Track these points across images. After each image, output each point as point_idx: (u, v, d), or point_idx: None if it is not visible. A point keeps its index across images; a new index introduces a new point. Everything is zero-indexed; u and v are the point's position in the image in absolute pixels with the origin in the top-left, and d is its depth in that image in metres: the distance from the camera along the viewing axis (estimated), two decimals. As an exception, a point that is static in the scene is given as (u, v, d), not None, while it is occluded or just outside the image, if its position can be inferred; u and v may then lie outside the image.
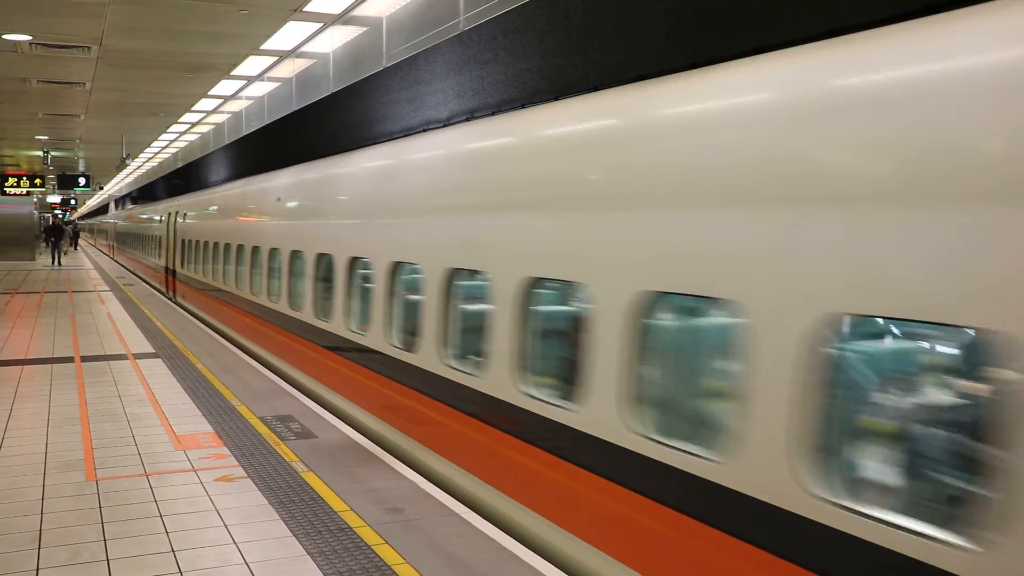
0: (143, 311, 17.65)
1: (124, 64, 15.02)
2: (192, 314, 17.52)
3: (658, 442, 4.28)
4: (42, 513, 5.57)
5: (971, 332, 3.07)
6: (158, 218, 24.79)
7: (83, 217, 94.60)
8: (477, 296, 6.35)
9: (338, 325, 8.87)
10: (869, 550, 3.16)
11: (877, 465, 3.53)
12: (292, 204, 11.67)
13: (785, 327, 3.57)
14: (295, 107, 15.88)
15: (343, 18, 11.93)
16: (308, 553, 4.95)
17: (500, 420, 5.74)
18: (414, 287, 7.41)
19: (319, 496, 5.95)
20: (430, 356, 6.76)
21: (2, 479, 6.27)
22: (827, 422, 3.44)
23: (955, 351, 3.50)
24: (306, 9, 11.37)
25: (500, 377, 5.70)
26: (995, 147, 3.02)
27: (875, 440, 3.59)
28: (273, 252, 11.70)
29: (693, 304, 4.44)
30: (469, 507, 5.80)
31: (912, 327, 3.51)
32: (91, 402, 8.86)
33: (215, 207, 17.02)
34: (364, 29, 12.07)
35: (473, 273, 6.40)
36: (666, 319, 4.56)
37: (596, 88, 7.31)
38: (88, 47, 13.55)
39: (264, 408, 8.68)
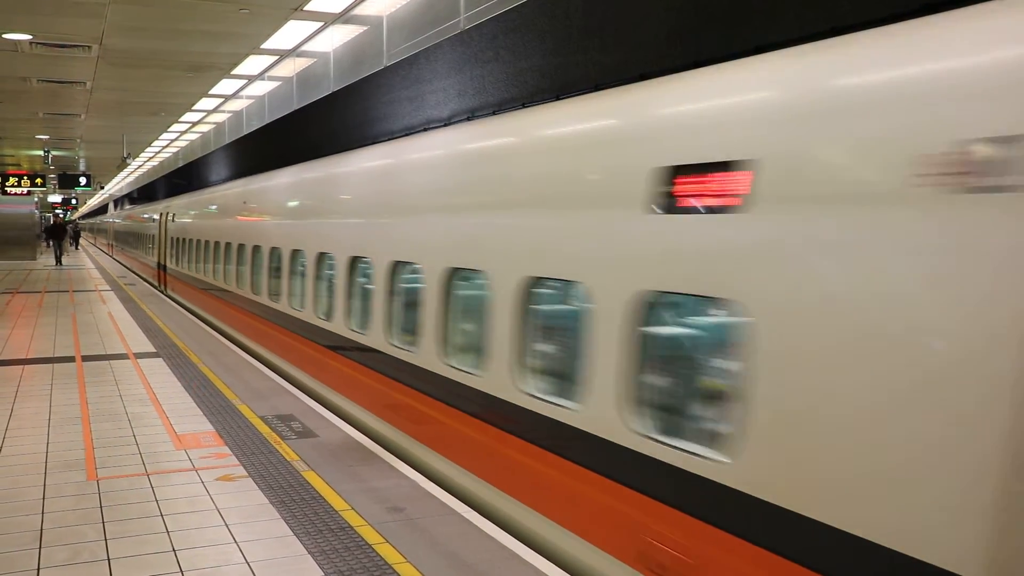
0: (144, 310, 17.65)
1: (125, 63, 15.02)
2: (180, 304, 19.49)
3: (536, 397, 5.34)
4: (43, 512, 5.57)
5: (712, 300, 4.09)
6: (151, 218, 27.19)
7: (83, 217, 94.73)
8: (412, 282, 7.52)
9: (284, 304, 11.16)
10: (665, 468, 4.20)
11: (664, 406, 4.52)
12: (253, 207, 13.92)
13: (617, 300, 4.60)
14: (295, 106, 15.88)
15: (343, 17, 11.93)
16: (309, 552, 4.94)
17: (427, 385, 6.83)
18: (331, 270, 9.38)
19: (320, 495, 5.95)
20: (376, 334, 7.99)
21: (3, 478, 6.27)
22: (642, 376, 4.51)
23: (706, 319, 4.53)
24: (306, 8, 11.37)
25: (428, 350, 6.74)
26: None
27: (664, 389, 4.57)
28: (240, 247, 13.87)
29: (557, 285, 5.52)
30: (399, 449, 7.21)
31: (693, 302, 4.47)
32: (92, 401, 8.86)
33: (199, 208, 19.06)
34: (365, 28, 12.07)
35: (405, 264, 7.62)
36: (542, 298, 5.64)
37: (597, 87, 7.35)
38: (89, 46, 13.56)
39: (265, 407, 8.68)
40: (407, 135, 9.71)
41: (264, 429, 7.79)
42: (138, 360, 11.45)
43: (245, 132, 20.79)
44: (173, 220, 21.89)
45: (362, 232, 8.58)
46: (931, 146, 3.02)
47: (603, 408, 4.69)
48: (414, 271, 7.41)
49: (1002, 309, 2.76)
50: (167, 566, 4.74)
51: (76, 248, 54.24)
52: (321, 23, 12.27)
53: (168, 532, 5.25)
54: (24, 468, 6.52)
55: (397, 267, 7.72)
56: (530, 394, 5.41)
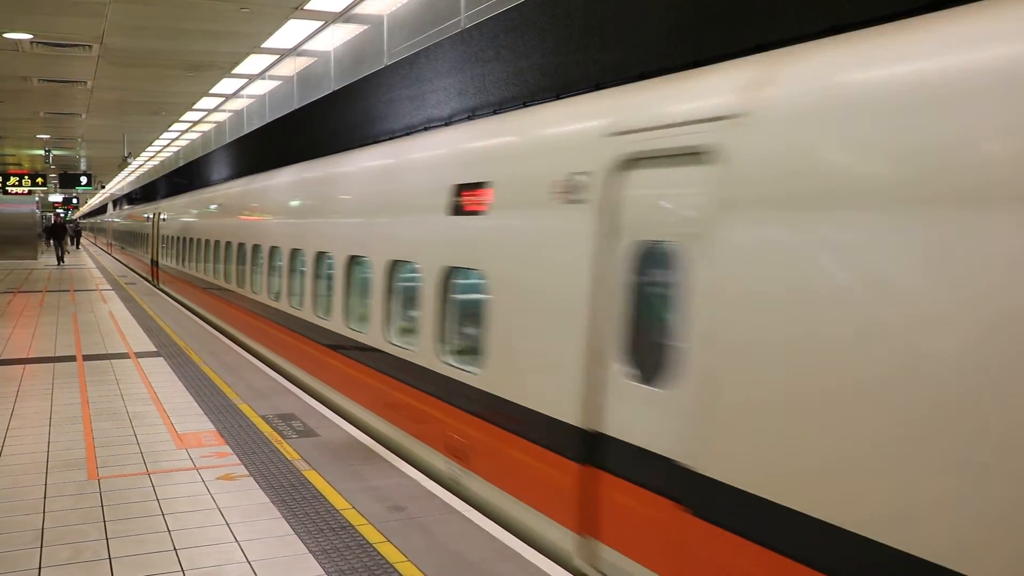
0: (145, 309, 17.66)
1: (125, 63, 15.02)
2: (170, 296, 21.60)
3: (394, 344, 7.48)
4: (44, 512, 5.58)
5: (475, 271, 6.22)
6: (146, 217, 29.84)
7: (84, 216, 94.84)
8: (302, 266, 10.54)
9: (246, 289, 13.44)
10: (455, 384, 6.28)
11: (455, 342, 6.59)
12: (223, 209, 16.33)
13: (431, 274, 6.73)
14: (296, 106, 15.88)
15: (344, 16, 11.93)
16: (310, 551, 4.95)
17: (323, 338, 9.37)
18: (279, 261, 11.73)
19: (321, 494, 5.95)
20: (287, 300, 11.00)
21: (4, 478, 6.28)
22: (445, 323, 6.64)
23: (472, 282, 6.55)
24: (307, 7, 11.37)
25: (336, 315, 9.02)
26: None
27: (454, 330, 6.64)
28: (215, 243, 16.07)
29: (407, 265, 7.51)
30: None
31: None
32: (93, 401, 8.86)
33: (184, 209, 21.45)
34: (365, 27, 12.07)
35: (297, 250, 10.75)
36: (398, 275, 7.73)
37: (598, 86, 7.40)
38: (89, 46, 13.56)
39: (266, 406, 8.68)
40: (378, 141, 10.77)
41: (265, 428, 7.79)
42: (139, 359, 11.46)
43: (245, 132, 20.81)
44: (164, 220, 24.52)
45: (284, 229, 11.68)
46: (556, 176, 5.33)
47: (427, 350, 6.77)
48: (308, 256, 10.40)
49: (580, 263, 5.00)
50: (168, 565, 4.75)
51: (77, 247, 54.26)
52: (322, 22, 12.27)
53: (169, 531, 5.25)
54: (25, 467, 6.53)
55: (273, 251, 11.85)
56: (391, 343, 7.58)
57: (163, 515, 5.54)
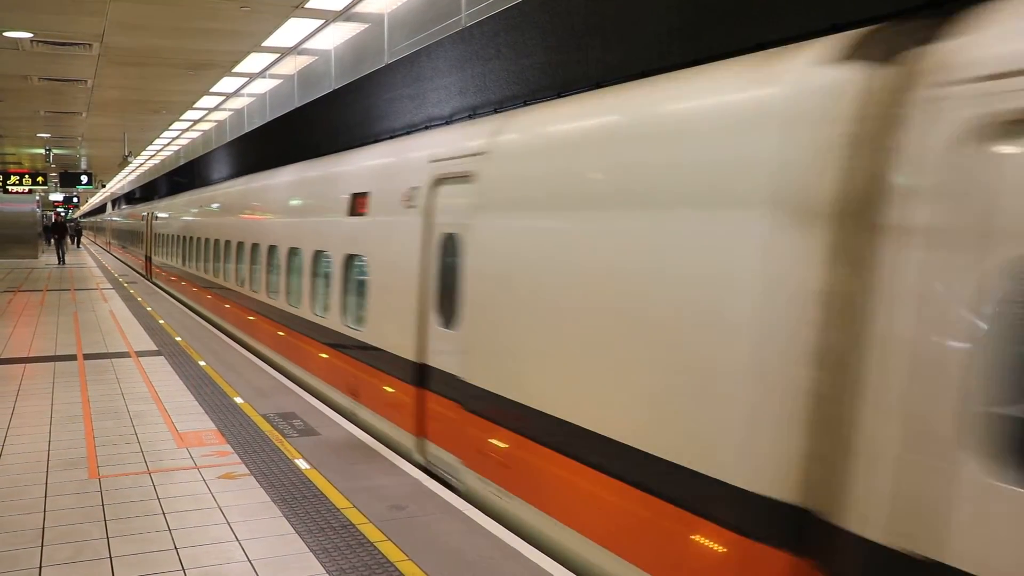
0: (146, 308, 17.66)
1: (125, 61, 15.01)
2: (160, 288, 23.90)
3: (318, 315, 9.55)
4: (45, 511, 5.58)
5: (362, 256, 8.19)
6: (141, 216, 32.81)
7: (84, 215, 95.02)
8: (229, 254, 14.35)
9: (210, 275, 16.60)
10: (353, 340, 8.42)
11: (352, 309, 8.56)
12: (199, 211, 19.09)
13: (338, 260, 8.83)
14: (296, 104, 15.87)
15: (345, 15, 11.92)
16: (311, 550, 4.95)
17: (276, 317, 11.49)
18: (239, 251, 14.41)
19: (322, 493, 5.95)
20: (231, 278, 14.19)
21: (5, 477, 6.28)
22: (346, 296, 8.74)
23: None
24: (307, 5, 11.35)
25: (280, 295, 11.38)
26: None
27: (351, 301, 8.61)
28: (195, 240, 18.74)
29: (326, 255, 9.44)
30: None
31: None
32: (94, 400, 8.86)
33: (171, 211, 24.07)
34: (366, 25, 12.05)
35: (256, 244, 13.19)
36: (320, 262, 9.83)
37: (599, 85, 7.39)
38: (89, 44, 13.55)
39: (267, 405, 8.68)
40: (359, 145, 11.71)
41: (266, 427, 7.79)
42: (140, 358, 11.46)
43: (246, 131, 20.80)
44: (156, 219, 27.22)
45: (243, 228, 14.24)
46: (403, 188, 7.40)
47: (335, 316, 8.95)
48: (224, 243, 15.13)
49: (414, 251, 7.15)
50: (169, 564, 4.75)
51: (78, 246, 54.24)
52: (322, 20, 12.26)
53: (170, 530, 5.25)
54: (26, 466, 6.53)
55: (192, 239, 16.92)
56: (316, 314, 9.73)
57: (164, 514, 5.54)
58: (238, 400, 8.92)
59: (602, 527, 4.51)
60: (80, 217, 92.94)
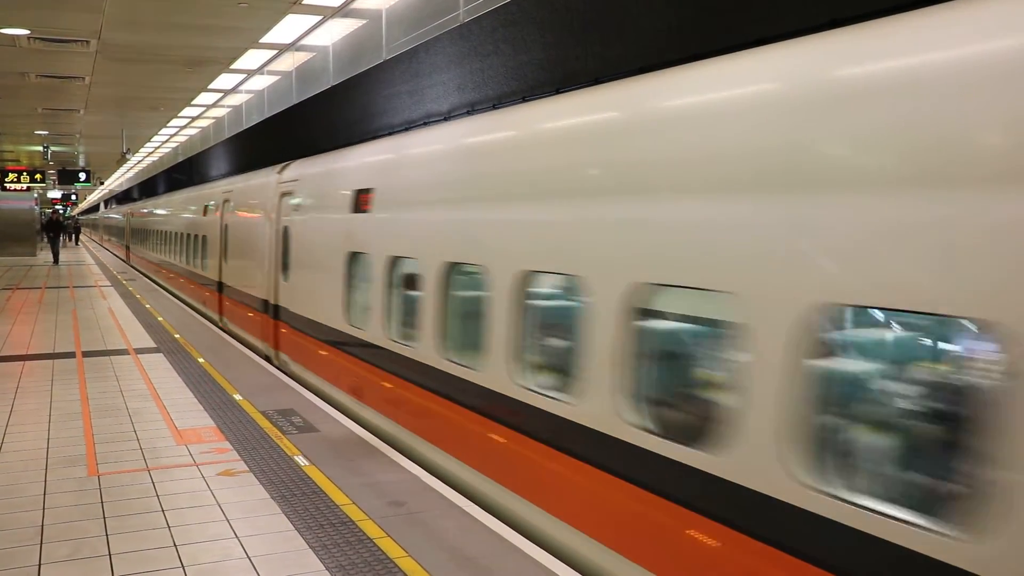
0: (144, 306, 17.64)
1: (123, 58, 14.97)
2: (139, 271, 29.93)
3: (301, 307, 10.54)
4: (44, 508, 5.57)
5: (366, 254, 8.73)
6: (122, 216, 43.25)
7: (82, 213, 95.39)
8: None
9: (159, 254, 23.77)
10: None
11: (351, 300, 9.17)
12: (148, 212, 28.02)
13: (338, 257, 9.49)
14: (295, 100, 15.85)
15: (343, 11, 11.89)
16: (310, 547, 4.94)
17: (250, 300, 13.33)
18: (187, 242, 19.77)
19: (321, 490, 5.95)
20: (211, 270, 16.61)
21: (4, 474, 6.27)
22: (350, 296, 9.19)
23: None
24: (305, 2, 11.33)
25: (217, 268, 15.64)
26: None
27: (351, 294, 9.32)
28: (151, 231, 26.35)
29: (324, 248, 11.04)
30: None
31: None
32: (92, 397, 8.86)
33: (143, 212, 31.93)
34: (364, 22, 12.03)
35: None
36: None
37: (597, 81, 7.34)
38: (87, 41, 13.52)
39: (265, 402, 8.67)
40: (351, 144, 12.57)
41: (265, 424, 7.79)
42: (138, 355, 11.45)
43: (244, 127, 20.77)
44: (132, 217, 36.37)
45: (192, 225, 19.12)
46: (265, 198, 12.42)
47: (331, 311, 9.25)
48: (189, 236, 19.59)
49: (270, 235, 12.06)
50: (168, 561, 4.74)
51: (76, 244, 54.15)
52: (320, 16, 12.23)
53: (169, 527, 5.25)
54: (25, 464, 6.52)
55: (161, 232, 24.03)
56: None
57: (163, 511, 5.53)
58: (237, 397, 8.91)
59: (334, 377, 9.11)
60: (78, 215, 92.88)
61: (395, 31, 10.95)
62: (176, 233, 21.04)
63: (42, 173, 38.26)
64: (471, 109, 10.49)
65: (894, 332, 3.83)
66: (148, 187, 40.41)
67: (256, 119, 18.99)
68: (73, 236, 56.36)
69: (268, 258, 11.76)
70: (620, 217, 4.64)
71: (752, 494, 3.61)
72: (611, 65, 8.94)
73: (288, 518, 5.40)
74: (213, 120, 24.64)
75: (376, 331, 7.79)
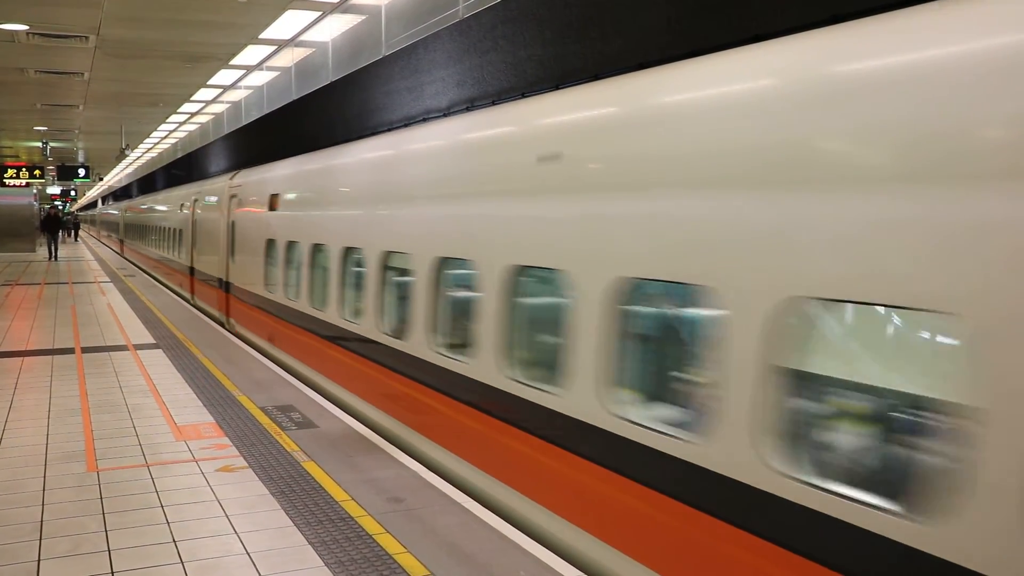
0: (144, 302, 17.64)
1: (122, 54, 14.96)
2: (128, 260, 34.31)
3: (241, 282, 13.77)
4: (43, 504, 5.57)
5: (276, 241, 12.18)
6: (117, 212, 48.00)
7: (80, 210, 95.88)
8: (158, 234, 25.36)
9: (155, 249, 26.07)
10: (194, 269, 18.69)
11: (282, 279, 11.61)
12: (149, 207, 30.13)
13: (259, 243, 13.22)
14: (294, 96, 15.82)
15: (342, 6, 11.88)
16: (309, 543, 4.95)
17: (208, 279, 17.08)
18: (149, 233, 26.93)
19: (320, 486, 5.95)
20: (175, 253, 21.62)
21: (3, 470, 6.28)
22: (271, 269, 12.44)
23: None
24: (304, -3, 11.32)
25: (178, 251, 20.83)
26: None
27: (282, 271, 11.70)
28: (142, 227, 30.24)
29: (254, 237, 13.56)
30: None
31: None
32: (92, 393, 8.86)
33: (133, 209, 36.29)
34: (363, 17, 12.02)
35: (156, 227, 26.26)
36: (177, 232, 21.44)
37: (597, 77, 7.34)
38: (86, 37, 13.50)
39: (265, 398, 8.67)
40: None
41: (264, 420, 7.79)
42: (138, 351, 11.45)
43: (243, 123, 20.75)
44: (126, 213, 39.52)
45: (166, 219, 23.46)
46: (224, 196, 15.54)
47: (256, 283, 12.40)
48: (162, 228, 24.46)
49: (224, 225, 15.30)
50: (167, 557, 4.75)
51: (76, 240, 54.12)
52: (319, 12, 12.22)
53: (168, 523, 5.25)
54: (24, 460, 6.53)
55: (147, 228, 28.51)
56: (197, 266, 17.84)
57: (162, 507, 5.54)
58: (236, 393, 8.92)
59: (258, 330, 12.17)
60: (77, 211, 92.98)
61: (394, 27, 10.93)
62: (158, 227, 25.09)
63: (41, 169, 38.26)
64: (471, 105, 10.48)
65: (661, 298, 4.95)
66: (144, 184, 43.55)
67: (255, 115, 18.98)
68: (72, 232, 56.33)
69: (222, 246, 15.05)
70: (465, 213, 6.26)
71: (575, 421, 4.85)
72: (610, 61, 8.93)
73: (287, 514, 5.41)
74: (212, 116, 24.61)
75: (279, 294, 11.13)
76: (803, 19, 6.19)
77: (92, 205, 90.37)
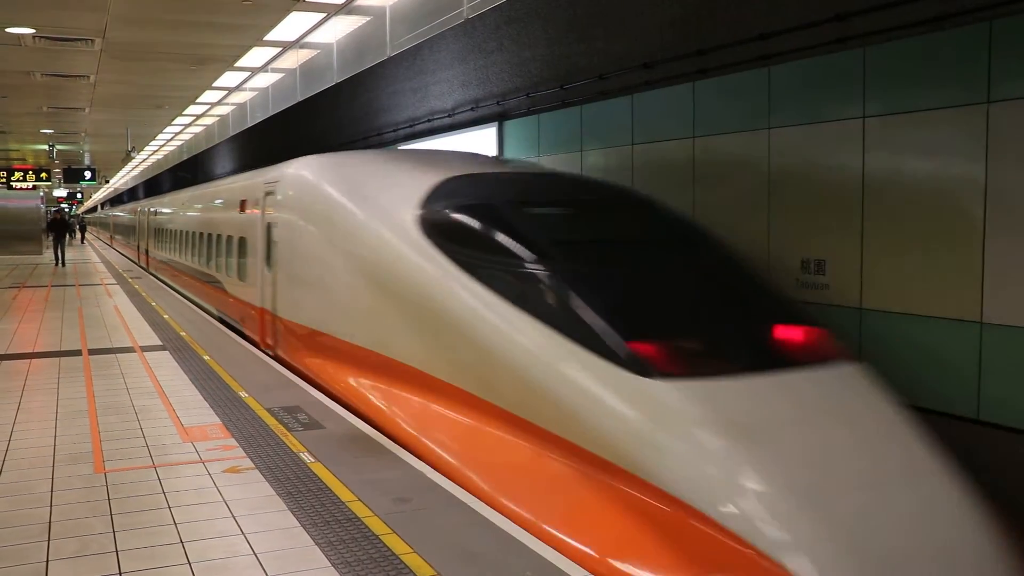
0: (150, 304, 17.69)
1: (128, 56, 15.00)
2: (116, 250, 42.52)
3: (155, 253, 25.65)
4: (51, 505, 5.59)
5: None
6: (108, 215, 57.39)
7: (88, 212, 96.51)
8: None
9: (121, 236, 43.31)
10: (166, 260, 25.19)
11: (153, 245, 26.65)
12: (118, 216, 48.04)
13: (142, 227, 30.45)
14: (299, 98, 15.83)
15: (346, 8, 11.89)
16: (316, 543, 4.96)
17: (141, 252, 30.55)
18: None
19: (327, 486, 5.96)
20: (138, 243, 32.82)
21: (11, 472, 6.30)
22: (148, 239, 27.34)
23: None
24: (309, -1, 11.34)
25: (139, 240, 31.93)
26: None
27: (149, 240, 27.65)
28: (127, 226, 39.77)
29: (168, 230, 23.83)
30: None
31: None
32: (99, 395, 8.89)
33: (120, 213, 46.85)
34: (368, 19, 12.02)
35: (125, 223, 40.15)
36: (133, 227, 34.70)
37: (601, 77, 7.31)
38: (92, 40, 13.54)
39: (271, 399, 8.69)
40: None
41: (270, 421, 7.80)
42: (144, 353, 11.48)
43: (248, 125, 20.77)
44: (116, 216, 49.69)
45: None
46: (133, 211, 36.49)
47: (147, 247, 27.79)
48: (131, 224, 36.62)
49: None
50: (175, 558, 4.76)
51: (82, 242, 54.30)
52: (324, 14, 12.24)
53: (176, 524, 5.27)
54: (32, 461, 6.55)
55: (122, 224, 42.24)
56: (161, 250, 24.77)
57: (169, 508, 5.55)
58: (243, 394, 8.94)
59: (191, 289, 18.56)
60: (83, 213, 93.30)
61: (399, 28, 10.93)
62: (123, 225, 40.75)
63: (48, 172, 38.37)
64: (475, 106, 10.46)
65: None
66: (134, 190, 59.42)
67: (260, 116, 19.01)
68: (80, 234, 56.52)
69: (141, 234, 27.58)
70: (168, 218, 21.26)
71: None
72: (615, 61, 8.93)
73: (294, 515, 5.42)
74: (217, 118, 24.67)
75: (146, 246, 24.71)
76: (804, 18, 6.18)
77: (93, 210, 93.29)
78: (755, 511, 4.57)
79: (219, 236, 14.35)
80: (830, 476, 4.84)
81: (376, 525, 5.24)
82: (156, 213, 25.60)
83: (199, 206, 17.67)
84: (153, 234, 26.57)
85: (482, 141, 13.10)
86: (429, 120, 14.43)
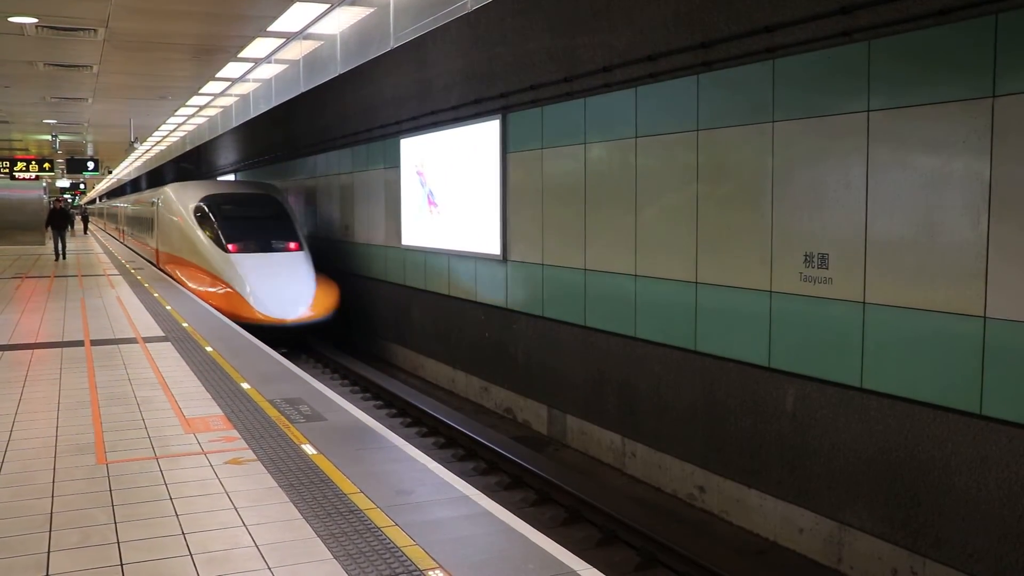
0: (153, 295, 17.69)
1: (131, 47, 14.96)
2: (118, 240, 44.21)
3: (135, 237, 35.09)
4: (53, 496, 5.60)
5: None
6: (111, 206, 59.48)
7: (87, 203, 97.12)
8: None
9: (117, 225, 50.47)
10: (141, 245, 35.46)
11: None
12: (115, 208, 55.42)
13: (122, 214, 44.54)
14: (303, 89, 15.78)
15: (350, -1, 11.84)
16: (318, 535, 4.96)
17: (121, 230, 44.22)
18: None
19: (328, 478, 5.97)
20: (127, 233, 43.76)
21: (13, 462, 6.31)
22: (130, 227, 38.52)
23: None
24: (313, -10, 11.30)
25: (124, 228, 43.24)
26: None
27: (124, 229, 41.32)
28: (119, 215, 48.96)
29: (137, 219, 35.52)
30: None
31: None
32: (101, 385, 8.89)
33: (125, 206, 44.78)
34: (372, 9, 11.98)
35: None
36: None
37: (605, 69, 7.28)
38: (95, 29, 13.50)
39: (273, 391, 8.69)
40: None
41: (272, 412, 7.81)
42: (147, 344, 11.48)
43: (252, 116, 20.73)
44: (116, 207, 51.73)
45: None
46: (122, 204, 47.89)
47: (132, 236, 35.74)
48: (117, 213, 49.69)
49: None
50: (176, 549, 4.76)
51: (85, 233, 54.34)
52: (328, 5, 12.19)
53: (177, 515, 5.27)
54: (34, 452, 6.56)
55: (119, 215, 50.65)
56: (133, 238, 35.59)
57: (171, 499, 5.56)
58: (245, 386, 8.94)
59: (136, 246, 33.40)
60: (85, 204, 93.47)
61: (403, 19, 10.89)
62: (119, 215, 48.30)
63: (51, 162, 38.35)
64: (479, 99, 10.45)
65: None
66: (130, 186, 64.99)
67: (264, 107, 18.98)
68: (83, 224, 56.54)
69: (121, 222, 37.49)
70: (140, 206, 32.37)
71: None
72: (619, 54, 8.89)
73: (296, 507, 5.42)
74: (221, 109, 24.64)
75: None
76: (808, 11, 6.15)
77: (92, 202, 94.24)
78: (248, 288, 17.14)
79: (141, 218, 30.39)
80: (272, 279, 17.52)
81: (378, 517, 5.24)
82: (124, 206, 41.98)
83: (132, 201, 37.41)
84: (114, 219, 45.83)
85: (485, 134, 13.07)
86: (433, 113, 14.39)
